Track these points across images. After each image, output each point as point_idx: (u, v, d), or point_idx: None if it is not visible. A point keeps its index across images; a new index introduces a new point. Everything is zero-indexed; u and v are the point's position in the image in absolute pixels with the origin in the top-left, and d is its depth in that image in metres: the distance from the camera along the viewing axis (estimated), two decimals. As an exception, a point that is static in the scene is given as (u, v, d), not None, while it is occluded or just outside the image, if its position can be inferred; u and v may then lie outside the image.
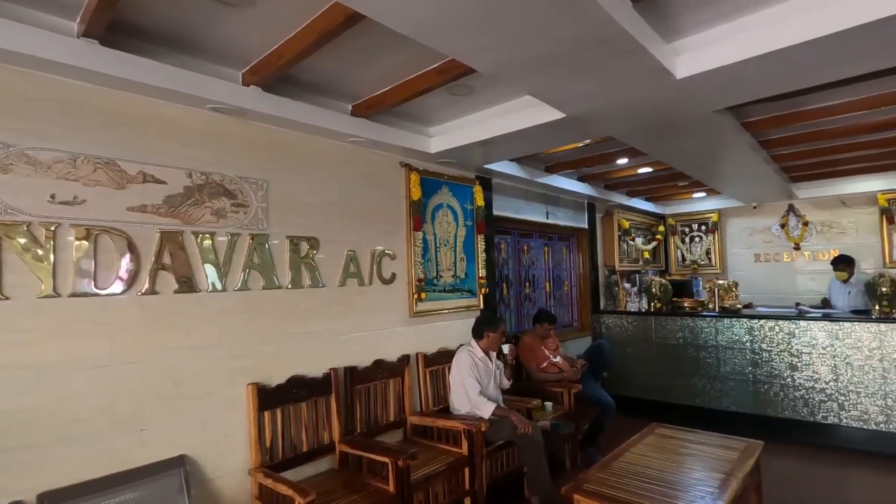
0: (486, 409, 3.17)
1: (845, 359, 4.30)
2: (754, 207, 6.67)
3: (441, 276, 3.85)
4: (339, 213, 3.18)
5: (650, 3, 2.01)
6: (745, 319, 4.86)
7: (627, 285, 6.04)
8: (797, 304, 5.42)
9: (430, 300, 3.71)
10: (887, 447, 4.07)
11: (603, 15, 1.66)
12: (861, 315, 4.60)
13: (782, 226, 6.53)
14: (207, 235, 2.52)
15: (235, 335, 2.62)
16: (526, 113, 2.93)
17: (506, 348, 3.43)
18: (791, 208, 6.46)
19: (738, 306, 5.31)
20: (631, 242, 6.51)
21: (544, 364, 4.32)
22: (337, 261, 3.15)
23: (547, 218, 5.24)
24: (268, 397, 2.66)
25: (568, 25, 1.73)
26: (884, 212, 5.76)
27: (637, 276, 6.41)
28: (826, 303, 5.47)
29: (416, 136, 3.45)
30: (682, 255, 7.39)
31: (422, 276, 3.61)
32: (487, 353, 3.48)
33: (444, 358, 3.69)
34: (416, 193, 3.60)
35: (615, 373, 5.60)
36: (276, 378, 2.75)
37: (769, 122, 3.60)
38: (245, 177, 2.70)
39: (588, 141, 3.83)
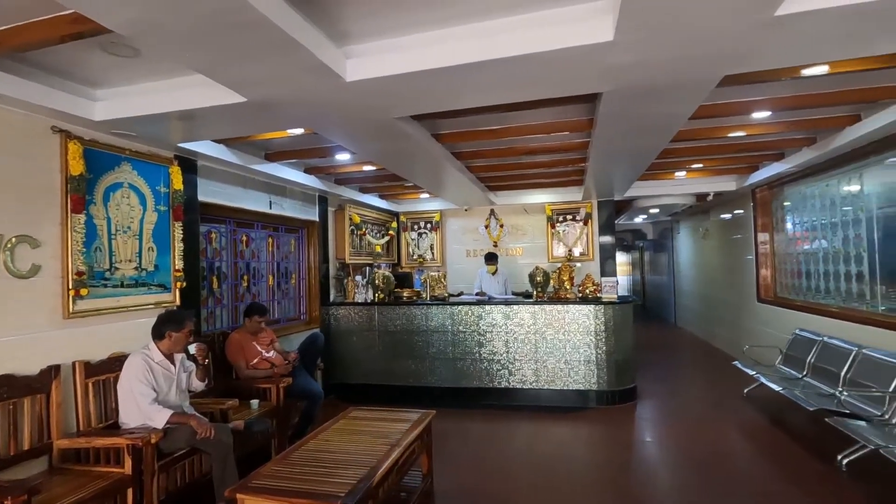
0: (160, 419, 2.82)
1: (513, 334, 5.39)
2: (466, 210, 7.80)
3: (117, 269, 3.26)
4: (-67, 184, 2.35)
5: (316, 4, 2.05)
6: (447, 306, 5.63)
7: (359, 278, 6.31)
8: (462, 293, 6.52)
9: (97, 297, 3.10)
10: (536, 400, 5.28)
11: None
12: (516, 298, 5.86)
13: (486, 227, 7.82)
14: None
15: None
16: (209, 90, 2.68)
17: (192, 348, 3.12)
18: (492, 212, 7.79)
19: (445, 295, 6.11)
20: (363, 237, 6.83)
21: (255, 360, 4.14)
22: (-74, 247, 2.33)
23: (270, 208, 5.02)
24: None
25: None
26: (549, 219, 7.46)
27: (368, 269, 6.77)
28: (480, 293, 6.36)
29: (73, 98, 2.82)
30: (412, 250, 8.14)
31: (83, 267, 2.98)
32: (171, 356, 3.10)
33: (118, 365, 3.13)
34: (77, 168, 2.95)
35: (341, 362, 5.80)
36: None
37: (457, 136, 4.18)
38: None
39: (301, 131, 3.79)
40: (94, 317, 3.11)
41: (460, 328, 5.55)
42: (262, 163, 4.54)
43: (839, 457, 3.47)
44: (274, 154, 4.61)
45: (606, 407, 5.14)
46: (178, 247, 3.73)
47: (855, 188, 4.71)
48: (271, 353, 4.25)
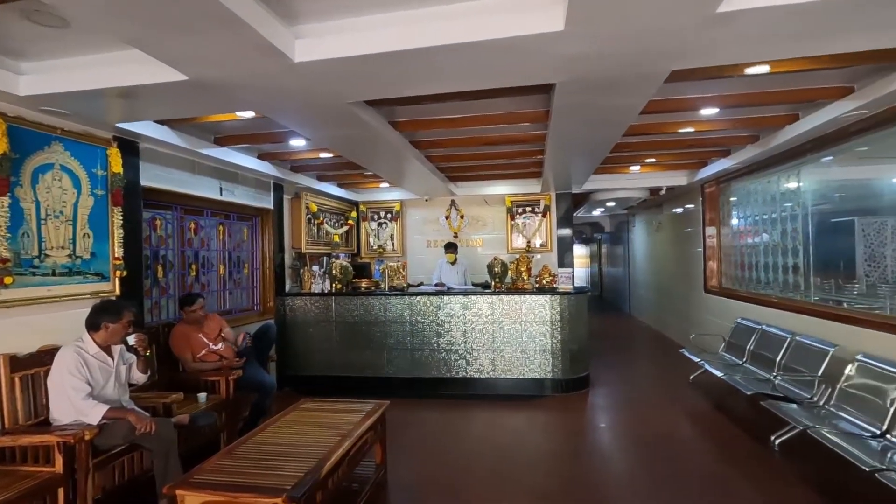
0: (95, 414, 2.67)
1: (471, 324, 5.42)
2: (426, 200, 7.76)
3: (48, 256, 3.05)
4: None
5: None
6: (406, 297, 5.59)
7: (316, 268, 6.17)
8: (422, 283, 6.46)
9: (25, 286, 2.90)
10: (493, 389, 5.34)
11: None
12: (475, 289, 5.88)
13: (447, 217, 7.81)
14: None
15: None
16: (147, 66, 2.51)
17: (131, 339, 2.96)
18: (453, 203, 7.78)
19: (404, 285, 6.07)
20: (321, 226, 6.68)
21: (202, 353, 3.98)
22: None
23: (221, 195, 4.82)
24: None
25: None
26: (509, 211, 7.53)
27: (326, 258, 6.63)
28: (440, 284, 6.23)
29: (-7, 70, 2.60)
30: (372, 240, 8.03)
31: (8, 254, 2.77)
32: (108, 348, 2.93)
33: (49, 358, 2.94)
34: (0, 146, 2.73)
35: (297, 353, 5.68)
36: None
37: (415, 124, 4.12)
38: None
39: (251, 114, 3.63)
40: (22, 307, 2.90)
41: (419, 318, 5.53)
42: (212, 147, 4.34)
43: (772, 437, 3.68)
44: (224, 138, 4.42)
45: (561, 395, 5.26)
46: (118, 233, 3.52)
47: (794, 185, 4.97)
48: (220, 346, 4.10)
